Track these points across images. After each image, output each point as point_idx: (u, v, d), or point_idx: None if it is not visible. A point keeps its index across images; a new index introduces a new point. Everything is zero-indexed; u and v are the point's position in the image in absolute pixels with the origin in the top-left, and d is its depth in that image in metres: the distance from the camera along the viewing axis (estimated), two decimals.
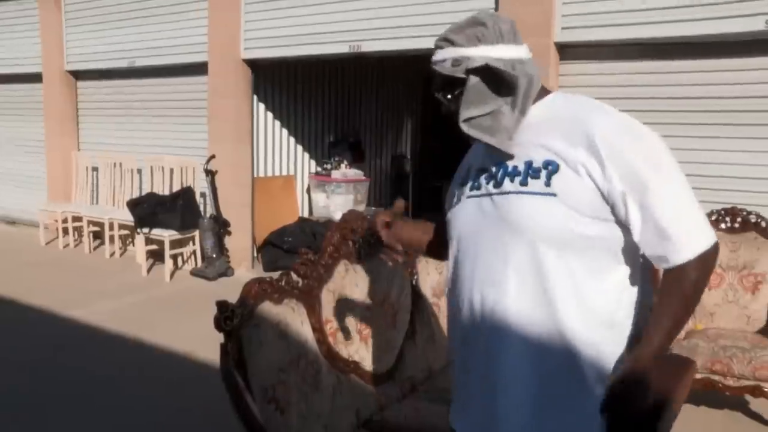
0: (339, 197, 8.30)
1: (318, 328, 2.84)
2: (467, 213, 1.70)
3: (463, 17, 1.67)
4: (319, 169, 8.78)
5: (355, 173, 8.59)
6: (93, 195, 9.14)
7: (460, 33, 1.62)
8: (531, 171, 1.57)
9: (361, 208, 8.43)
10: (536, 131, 1.59)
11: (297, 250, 7.06)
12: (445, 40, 1.63)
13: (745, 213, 4.17)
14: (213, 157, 7.41)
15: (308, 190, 8.75)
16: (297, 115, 8.70)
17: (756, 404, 3.97)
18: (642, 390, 1.50)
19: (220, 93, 7.52)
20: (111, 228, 8.13)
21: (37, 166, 10.10)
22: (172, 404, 4.06)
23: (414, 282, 3.51)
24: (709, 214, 4.25)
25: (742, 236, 4.11)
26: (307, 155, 8.87)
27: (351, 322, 3.05)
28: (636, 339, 1.58)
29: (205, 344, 4.95)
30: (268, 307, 2.60)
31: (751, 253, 4.05)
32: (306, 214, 8.63)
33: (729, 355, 3.53)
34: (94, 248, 8.56)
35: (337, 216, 7.98)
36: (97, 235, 8.64)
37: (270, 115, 8.25)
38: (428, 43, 5.38)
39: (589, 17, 5.19)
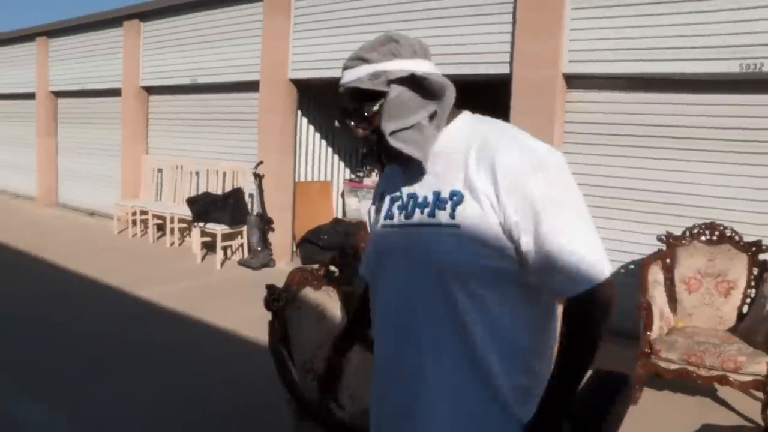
0: (369, 202, 8.26)
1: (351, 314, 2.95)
2: (382, 241, 1.50)
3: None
4: (352, 176, 8.82)
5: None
6: (157, 193, 9.34)
7: (373, 51, 1.40)
8: (438, 202, 1.36)
9: None
10: (446, 159, 1.39)
11: (331, 247, 7.22)
12: (358, 59, 1.41)
13: (722, 227, 4.20)
14: (261, 162, 7.54)
15: (342, 195, 8.79)
16: (335, 129, 8.67)
17: (723, 392, 4.00)
18: None
19: (268, 108, 7.64)
20: (172, 221, 8.30)
21: (113, 167, 10.37)
22: (219, 375, 4.15)
23: None
24: (692, 228, 4.29)
25: (719, 248, 4.15)
26: (342, 164, 8.93)
27: None
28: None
29: (249, 325, 5.10)
30: (308, 293, 2.72)
31: (725, 262, 4.09)
32: (340, 216, 8.68)
33: (702, 350, 3.58)
34: (157, 238, 8.74)
35: (367, 218, 8.07)
36: (160, 227, 8.83)
37: (311, 128, 8.33)
38: (453, 69, 5.44)
39: (593, 53, 5.17)
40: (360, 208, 8.25)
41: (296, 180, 7.86)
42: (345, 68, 1.43)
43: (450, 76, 1.46)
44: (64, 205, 11.75)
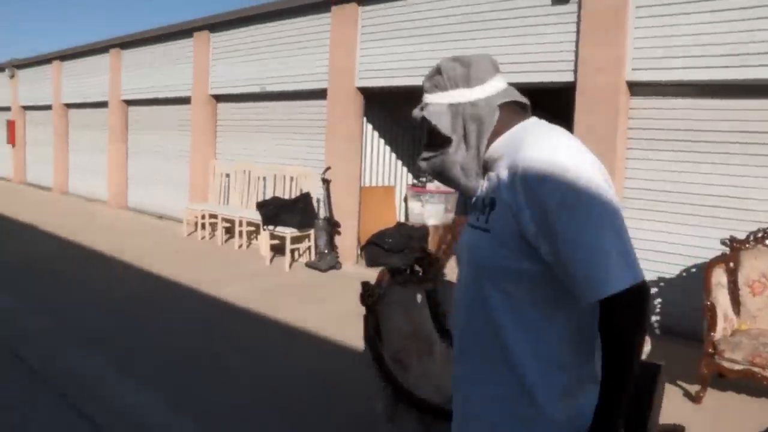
0: (432, 206, 8.49)
1: (434, 309, 3.24)
2: (463, 236, 1.60)
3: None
4: (415, 181, 9.05)
5: (446, 187, 8.77)
6: (224, 197, 9.82)
7: (427, 80, 1.56)
8: (483, 207, 1.47)
9: (450, 216, 8.69)
10: (495, 165, 1.48)
11: (395, 249, 7.50)
12: (436, 86, 1.55)
13: None
14: (329, 168, 7.90)
15: (405, 199, 9.02)
16: (399, 136, 9.02)
17: None
18: None
19: (336, 115, 8.00)
20: (240, 224, 8.74)
21: (180, 172, 10.93)
22: (300, 369, 4.47)
23: None
24: (756, 232, 4.46)
25: None
26: (405, 169, 9.19)
27: None
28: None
29: (322, 322, 5.49)
30: (397, 290, 3.02)
31: None
32: (403, 219, 8.89)
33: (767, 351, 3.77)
34: (225, 241, 9.20)
35: (431, 222, 8.30)
36: (227, 230, 9.30)
37: (376, 134, 8.64)
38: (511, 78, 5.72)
39: (655, 60, 5.35)
40: (423, 212, 8.47)
41: (362, 185, 8.17)
42: (424, 90, 1.58)
43: (516, 85, 1.61)
44: (133, 209, 12.44)
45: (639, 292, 1.30)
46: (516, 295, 1.40)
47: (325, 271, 7.57)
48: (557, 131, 1.44)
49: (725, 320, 4.14)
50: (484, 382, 1.48)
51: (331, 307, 6.03)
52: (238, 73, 9.59)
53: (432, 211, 8.50)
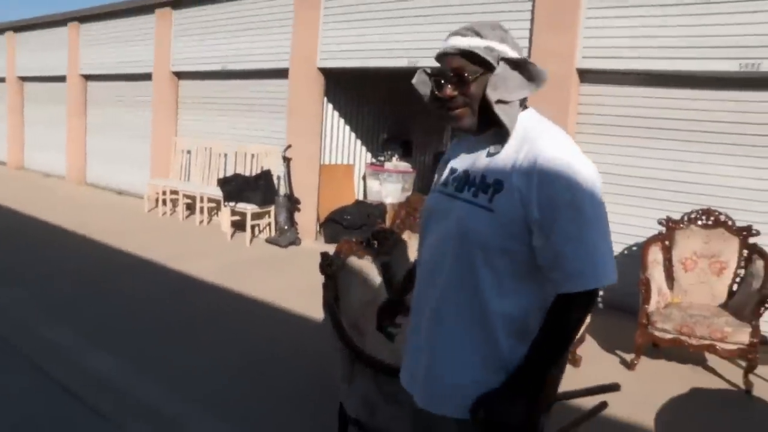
0: (390, 185, 8.60)
1: (388, 281, 3.39)
2: (436, 202, 1.72)
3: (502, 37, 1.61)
4: (374, 160, 9.14)
5: (404, 166, 8.88)
6: (185, 173, 9.75)
7: (486, 29, 1.59)
8: (483, 185, 1.56)
9: (407, 194, 8.83)
10: (503, 146, 1.59)
11: (354, 226, 7.63)
12: (472, 31, 1.59)
13: (717, 213, 4.64)
14: (290, 146, 7.94)
15: (364, 178, 9.12)
16: (359, 116, 9.10)
17: (711, 360, 4.48)
18: (505, 410, 1.52)
19: (297, 94, 8.04)
20: (201, 201, 8.71)
21: (140, 148, 10.80)
22: (262, 338, 4.58)
23: None
24: (690, 213, 4.73)
25: (713, 231, 4.59)
26: (364, 149, 9.28)
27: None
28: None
29: (283, 295, 5.59)
30: (354, 261, 3.17)
31: (719, 244, 4.54)
32: (361, 198, 8.98)
33: (694, 321, 4.05)
34: (186, 217, 9.16)
35: (388, 200, 8.41)
36: (189, 207, 9.26)
37: (336, 114, 8.69)
38: None
39: (604, 50, 5.56)
40: (381, 191, 8.59)
41: (322, 163, 8.24)
42: (455, 34, 1.59)
43: None
44: (92, 184, 12.26)
45: (597, 292, 1.51)
46: (500, 267, 1.54)
47: (285, 246, 7.63)
48: (561, 131, 1.59)
49: (659, 294, 4.41)
50: (459, 347, 1.59)
51: (290, 281, 6.13)
52: (200, 50, 9.51)
53: (390, 189, 8.61)
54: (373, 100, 9.32)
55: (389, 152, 9.08)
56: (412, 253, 3.59)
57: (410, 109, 9.86)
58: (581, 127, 5.82)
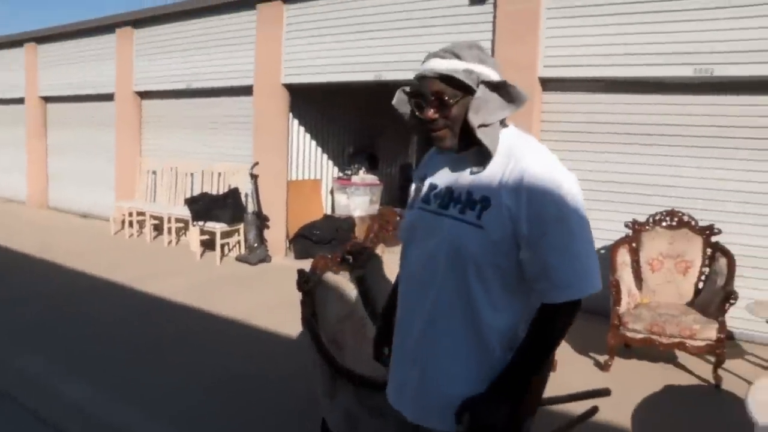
0: (357, 198, 8.60)
1: (364, 295, 3.37)
2: (417, 219, 1.73)
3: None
4: (341, 174, 9.15)
5: (371, 179, 8.89)
6: (151, 194, 9.60)
7: (465, 51, 1.60)
8: (469, 202, 1.58)
9: (375, 207, 8.78)
10: (488, 163, 1.60)
11: (323, 241, 7.59)
12: (451, 54, 1.60)
13: (680, 214, 4.74)
14: (257, 163, 7.89)
15: (332, 192, 9.10)
16: (325, 130, 9.08)
17: (682, 357, 4.56)
18: (490, 414, 1.55)
19: (262, 111, 7.99)
20: (169, 221, 8.58)
21: (104, 170, 10.59)
22: (234, 356, 4.51)
23: None
24: (655, 215, 4.83)
25: (678, 232, 4.69)
26: (331, 163, 9.27)
27: (388, 291, 3.59)
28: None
29: (254, 312, 5.54)
30: (330, 276, 3.14)
31: (684, 244, 4.64)
32: (330, 212, 8.97)
33: (663, 320, 4.12)
34: (154, 238, 9.01)
35: (357, 213, 8.39)
36: (156, 228, 9.10)
37: (302, 129, 8.67)
38: None
39: (565, 58, 5.66)
40: (349, 204, 8.57)
41: (289, 179, 8.19)
42: (434, 56, 1.61)
43: None
44: (54, 208, 11.98)
45: (580, 301, 1.54)
46: (491, 282, 1.57)
47: (255, 264, 7.57)
48: (542, 146, 1.63)
49: (629, 295, 4.47)
50: (453, 359, 1.61)
51: (262, 298, 6.07)
52: (163, 69, 9.40)
53: (358, 202, 8.61)
54: (339, 115, 9.31)
55: (356, 166, 9.09)
56: (387, 267, 3.57)
57: (375, 123, 9.89)
58: (545, 134, 5.90)
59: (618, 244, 4.70)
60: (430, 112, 1.60)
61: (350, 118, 9.54)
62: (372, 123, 9.89)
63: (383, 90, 9.89)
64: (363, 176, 8.88)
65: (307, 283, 2.90)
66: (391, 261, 3.65)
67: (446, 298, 1.60)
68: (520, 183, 1.51)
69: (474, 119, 1.56)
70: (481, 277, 1.56)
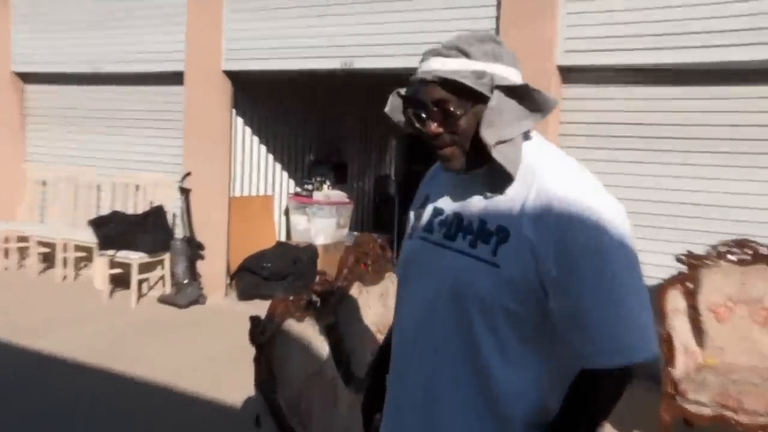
0: (321, 220, 8.60)
1: (335, 348, 3.28)
2: (416, 253, 1.78)
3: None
4: (299, 189, 9.12)
5: (338, 195, 8.92)
6: (41, 212, 9.32)
7: (475, 46, 1.60)
8: (482, 233, 1.60)
9: (343, 232, 8.78)
10: (506, 186, 1.62)
11: (277, 277, 7.48)
12: (456, 50, 1.60)
13: (755, 244, 4.66)
14: (189, 174, 7.78)
15: (287, 212, 9.07)
16: (278, 132, 9.08)
17: None
18: None
19: (197, 105, 7.89)
20: (64, 249, 8.34)
21: None
22: (156, 429, 4.38)
23: None
24: (718, 245, 4.73)
25: (753, 268, 4.60)
26: (286, 174, 9.25)
27: (364, 342, 3.47)
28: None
29: (184, 371, 5.41)
30: (291, 325, 3.07)
31: (762, 285, 4.54)
32: (284, 238, 8.96)
33: (739, 390, 3.99)
34: (42, 271, 8.73)
35: (320, 241, 8.41)
36: (47, 257, 8.83)
37: (249, 130, 8.61)
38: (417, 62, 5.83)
39: (594, 41, 5.64)
40: (309, 228, 8.57)
41: (231, 195, 8.13)
42: (435, 54, 1.62)
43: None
44: None
45: (630, 370, 1.53)
46: (504, 332, 1.57)
47: (184, 306, 7.46)
48: (575, 163, 1.64)
49: (686, 353, 4.35)
50: (456, 411, 1.64)
51: (194, 352, 5.99)
52: (57, 44, 9.12)
53: (321, 226, 8.62)
54: (297, 113, 9.33)
55: (318, 178, 9.11)
56: (365, 312, 3.59)
57: (344, 123, 9.87)
58: (565, 140, 5.85)
59: (668, 284, 4.60)
60: (433, 126, 1.61)
61: (312, 117, 9.57)
62: (339, 124, 9.88)
63: (354, 82, 10.05)
64: (328, 192, 8.89)
65: (263, 334, 2.86)
66: (370, 304, 3.57)
67: (448, 355, 1.63)
68: (546, 210, 1.51)
69: (488, 135, 1.56)
70: (491, 326, 1.57)
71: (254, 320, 2.80)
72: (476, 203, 1.65)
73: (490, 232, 1.58)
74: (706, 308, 4.60)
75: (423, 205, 1.84)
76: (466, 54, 1.58)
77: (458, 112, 1.58)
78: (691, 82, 5.43)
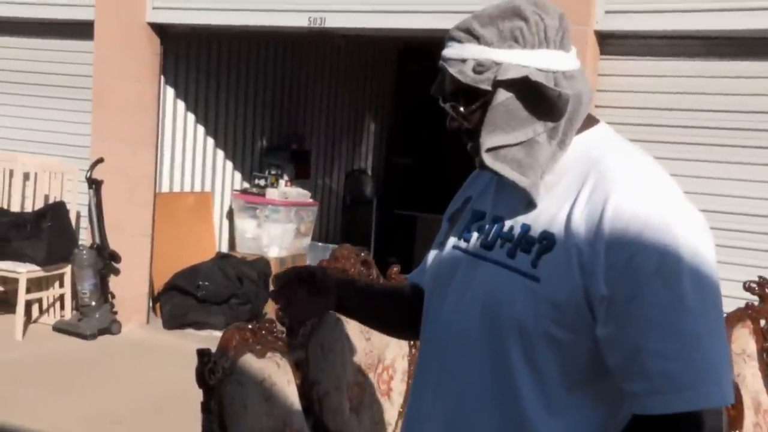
0: (276, 226, 8.61)
1: (304, 393, 3.30)
2: (447, 264, 1.88)
3: None
4: (247, 185, 9.15)
5: (298, 194, 8.93)
6: None
7: (490, 26, 1.67)
8: (524, 240, 1.67)
9: (304, 242, 8.79)
10: (552, 186, 1.69)
11: (216, 299, 7.48)
12: (468, 32, 1.69)
13: None
14: (100, 161, 7.72)
15: (230, 215, 9.08)
16: (220, 109, 9.09)
17: None
18: None
19: (110, 69, 7.87)
20: None
21: None
22: None
23: (412, 342, 4.00)
24: None
25: None
26: (230, 165, 9.26)
27: (341, 386, 3.53)
28: None
29: (90, 426, 5.41)
30: (250, 361, 3.06)
31: None
32: (225, 249, 8.94)
33: None
34: None
35: (272, 252, 8.40)
36: None
37: (182, 105, 8.64)
38: (413, 21, 6.22)
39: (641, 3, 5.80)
40: (261, 235, 8.58)
41: (158, 190, 8.15)
42: (449, 35, 1.74)
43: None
44: None
45: (701, 417, 1.54)
46: (547, 367, 1.63)
47: (91, 337, 7.44)
48: (651, 162, 1.69)
49: (757, 411, 4.44)
50: None
51: (106, 401, 5.95)
52: None
53: (275, 233, 8.67)
54: (247, 84, 9.36)
55: (273, 171, 9.14)
56: (345, 344, 3.57)
57: (308, 100, 9.92)
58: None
59: (733, 319, 4.66)
60: (454, 125, 1.75)
61: (266, 90, 9.60)
62: (302, 100, 9.96)
63: (321, 45, 10.05)
64: (285, 189, 8.92)
65: (214, 374, 2.81)
66: (350, 336, 3.61)
67: (477, 390, 1.71)
68: (600, 215, 1.56)
69: (484, 139, 1.68)
70: (531, 357, 1.62)
71: (202, 354, 2.80)
72: (521, 205, 1.72)
73: (532, 240, 1.65)
74: None
75: (462, 208, 1.93)
76: (476, 36, 1.68)
77: (467, 109, 1.72)
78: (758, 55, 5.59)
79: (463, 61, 1.67)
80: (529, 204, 1.69)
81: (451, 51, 1.70)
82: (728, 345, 1.65)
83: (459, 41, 1.70)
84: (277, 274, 2.13)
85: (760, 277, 4.86)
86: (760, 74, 5.59)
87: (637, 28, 5.85)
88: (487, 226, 1.79)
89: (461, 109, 1.71)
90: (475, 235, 1.81)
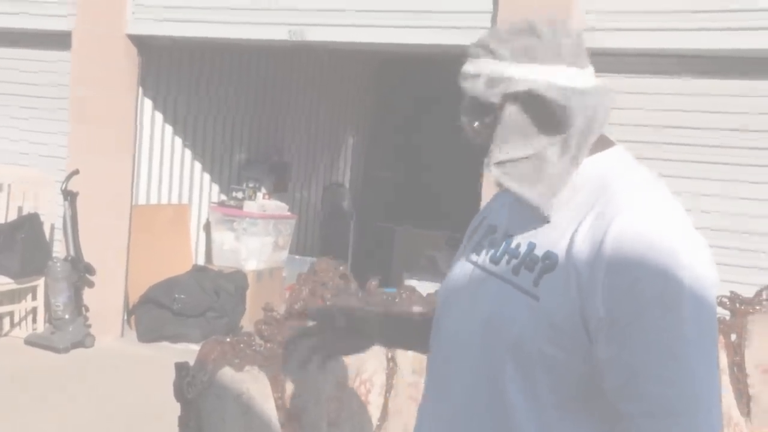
0: (253, 239, 8.60)
1: (282, 407, 3.34)
2: (457, 277, 1.92)
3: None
4: (224, 197, 9.12)
5: (276, 206, 8.93)
6: None
7: (505, 42, 1.72)
8: (529, 258, 1.70)
9: (282, 256, 8.80)
10: (565, 201, 1.70)
11: (193, 313, 7.49)
12: (483, 48, 1.73)
13: None
14: (76, 172, 7.73)
15: (207, 227, 9.08)
16: (198, 121, 9.10)
17: None
18: None
19: (89, 80, 7.88)
20: None
21: None
22: None
23: (390, 354, 4.04)
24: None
25: None
26: (208, 177, 9.27)
27: (319, 400, 3.57)
28: None
29: None
30: (228, 374, 3.09)
31: None
32: (202, 261, 8.93)
33: None
34: None
35: (249, 265, 8.39)
36: None
37: (160, 117, 8.63)
38: (392, 36, 6.26)
39: (615, 15, 5.86)
40: (238, 249, 8.58)
41: (134, 202, 8.14)
42: (468, 54, 1.78)
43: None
44: None
45: None
46: (540, 387, 1.66)
47: (65, 351, 7.43)
48: (661, 187, 1.72)
49: (728, 425, 4.48)
50: None
51: (78, 417, 5.94)
52: None
53: (253, 246, 8.67)
54: (226, 96, 9.37)
55: (251, 184, 9.14)
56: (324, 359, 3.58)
57: (287, 112, 9.92)
58: None
59: None
60: (477, 140, 1.80)
61: (245, 102, 9.61)
62: (281, 113, 9.97)
63: (304, 58, 10.02)
64: (263, 202, 8.93)
65: (192, 387, 2.86)
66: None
67: (471, 403, 1.76)
68: (602, 237, 1.57)
69: (493, 153, 1.72)
70: (525, 375, 1.66)
71: (181, 368, 2.84)
72: (532, 223, 1.75)
73: (537, 258, 1.68)
74: (755, 366, 4.72)
75: (481, 223, 1.98)
76: (492, 53, 1.72)
77: (481, 124, 1.77)
78: (738, 74, 5.66)
79: (477, 75, 1.72)
80: (539, 222, 1.72)
81: (467, 66, 1.76)
82: (720, 375, 1.60)
83: (476, 56, 1.74)
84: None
85: (731, 292, 4.91)
86: (752, 93, 5.65)
87: (610, 46, 5.81)
88: (497, 241, 1.83)
89: (475, 124, 1.77)
90: (486, 249, 1.85)
